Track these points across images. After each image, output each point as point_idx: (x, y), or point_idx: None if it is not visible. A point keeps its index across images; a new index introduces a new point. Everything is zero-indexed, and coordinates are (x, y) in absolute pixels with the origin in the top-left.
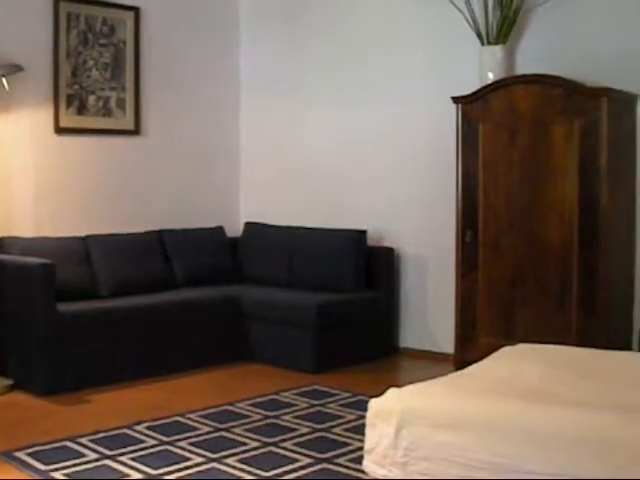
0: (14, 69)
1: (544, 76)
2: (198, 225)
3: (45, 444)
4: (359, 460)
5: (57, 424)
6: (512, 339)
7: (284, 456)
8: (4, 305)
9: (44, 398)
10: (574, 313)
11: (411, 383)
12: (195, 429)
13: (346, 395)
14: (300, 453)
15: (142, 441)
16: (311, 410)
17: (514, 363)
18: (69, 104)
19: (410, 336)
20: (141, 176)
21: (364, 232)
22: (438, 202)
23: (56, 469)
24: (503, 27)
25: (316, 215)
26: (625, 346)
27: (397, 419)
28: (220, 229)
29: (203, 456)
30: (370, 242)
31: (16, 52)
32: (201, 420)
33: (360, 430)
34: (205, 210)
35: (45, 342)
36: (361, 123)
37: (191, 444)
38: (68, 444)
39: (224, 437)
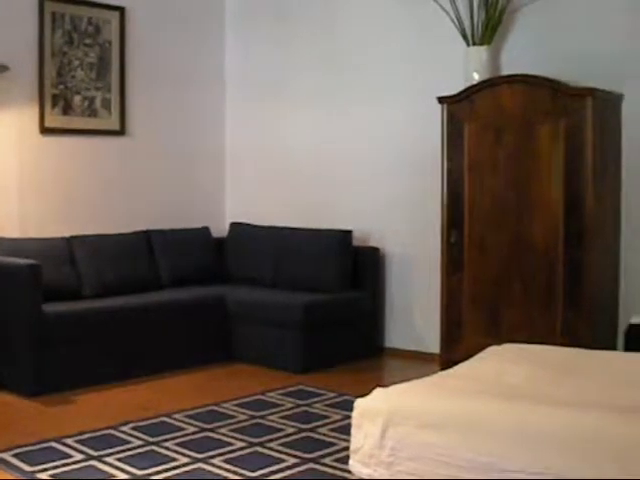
0: None
1: (529, 76)
2: (183, 225)
3: (31, 445)
4: (345, 460)
5: (43, 425)
6: (498, 339)
7: (270, 456)
8: None
9: (30, 399)
10: (560, 313)
11: (397, 383)
12: (181, 429)
13: (332, 395)
14: (286, 453)
15: (128, 442)
16: (297, 410)
17: (500, 363)
18: (54, 104)
19: (396, 336)
20: (126, 176)
21: (349, 232)
22: (424, 202)
23: (42, 470)
24: (488, 28)
25: (302, 215)
26: (610, 346)
27: (383, 419)
28: (206, 229)
29: (189, 456)
30: (356, 242)
31: (0, 52)
32: (187, 420)
33: (346, 430)
34: (190, 210)
35: (31, 343)
36: (347, 123)
37: (177, 444)
38: (54, 445)
39: (210, 437)
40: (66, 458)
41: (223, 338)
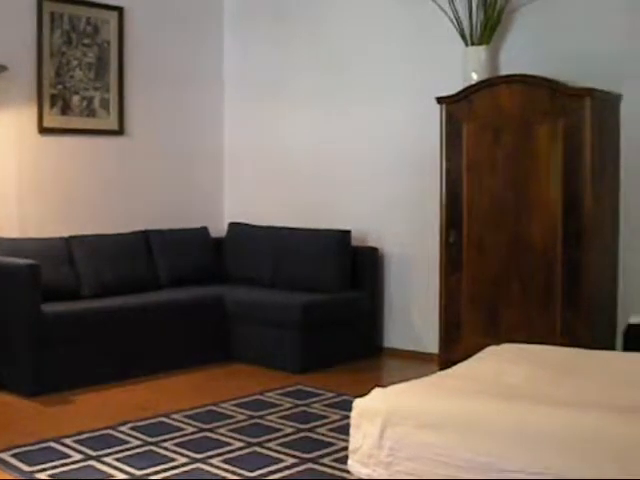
0: None
1: (528, 76)
2: (182, 225)
3: (30, 445)
4: (344, 460)
5: (42, 425)
6: (496, 339)
7: (269, 456)
8: None
9: (29, 399)
10: (558, 313)
11: (395, 383)
12: (180, 429)
13: (330, 395)
14: (285, 453)
15: (127, 442)
16: (295, 410)
17: (499, 363)
18: (53, 104)
19: (394, 336)
20: (125, 176)
21: (348, 232)
22: (422, 202)
23: (41, 470)
24: (487, 28)
25: (300, 215)
26: (609, 346)
27: (382, 419)
28: (204, 229)
29: (188, 456)
30: (354, 242)
31: None
32: (185, 420)
33: (345, 430)
34: (189, 210)
35: (30, 343)
36: (345, 123)
37: (176, 444)
38: (53, 445)
39: (208, 437)
40: (65, 458)
41: (222, 338)
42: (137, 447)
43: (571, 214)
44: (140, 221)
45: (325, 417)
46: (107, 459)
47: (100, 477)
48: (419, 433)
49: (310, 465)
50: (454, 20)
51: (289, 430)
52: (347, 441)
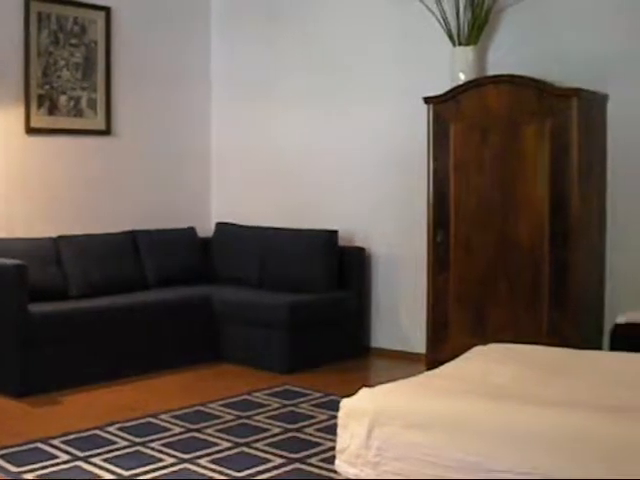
0: None
1: (515, 76)
2: (169, 225)
3: (17, 445)
4: (331, 460)
5: (29, 425)
6: (484, 339)
7: (256, 456)
8: None
9: (16, 399)
10: (545, 313)
11: (383, 383)
12: (167, 430)
13: (318, 395)
14: (272, 453)
15: (114, 442)
16: (283, 410)
17: (486, 363)
18: (40, 104)
19: (382, 336)
20: (112, 176)
21: (335, 232)
22: (409, 202)
23: (28, 471)
24: (474, 28)
25: (288, 215)
26: (596, 346)
27: (369, 419)
28: (191, 230)
29: (175, 457)
30: (342, 242)
31: None
32: (173, 421)
33: (332, 430)
34: (177, 210)
35: (17, 343)
36: (332, 124)
37: (163, 445)
38: (40, 445)
39: (196, 438)
40: (52, 459)
41: (209, 338)
42: (125, 447)
43: (558, 214)
44: (127, 221)
45: (313, 417)
46: (94, 460)
47: (87, 478)
48: (406, 433)
49: (298, 465)
50: (441, 20)
51: (277, 430)
52: (334, 441)
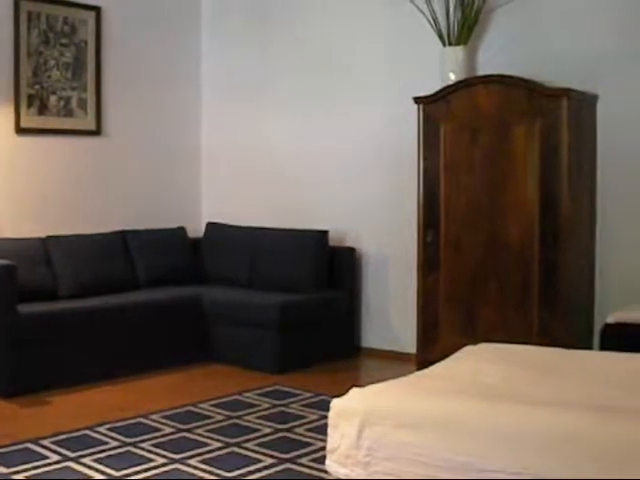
0: None
1: (505, 76)
2: (160, 225)
3: (6, 446)
4: (322, 460)
5: (19, 426)
6: (474, 339)
7: (247, 456)
8: None
9: (5, 400)
10: (535, 312)
11: (373, 383)
12: (158, 430)
13: (308, 395)
14: (263, 453)
15: (104, 442)
16: (273, 410)
17: (476, 362)
18: (30, 104)
19: (372, 336)
20: (103, 177)
21: (326, 232)
22: (399, 202)
23: (18, 471)
24: (464, 28)
25: (278, 216)
26: (586, 345)
27: (359, 419)
28: (182, 229)
29: (166, 457)
30: (332, 242)
31: None
32: (163, 421)
33: (322, 430)
34: (167, 211)
35: (6, 344)
36: (323, 124)
37: (154, 445)
38: (30, 446)
39: (187, 438)
40: (42, 459)
41: (200, 338)
42: (115, 448)
43: (548, 214)
44: (118, 221)
45: (303, 417)
46: (85, 460)
47: (78, 478)
48: (397, 433)
49: (288, 465)
50: (431, 20)
51: (267, 430)
52: (325, 441)
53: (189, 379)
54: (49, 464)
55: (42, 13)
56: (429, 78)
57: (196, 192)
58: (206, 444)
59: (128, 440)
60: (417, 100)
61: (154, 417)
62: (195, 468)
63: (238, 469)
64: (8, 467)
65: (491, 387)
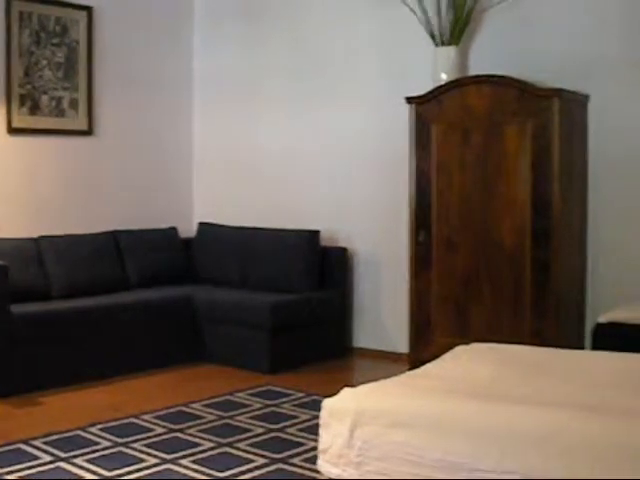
0: None
1: (497, 77)
2: (152, 226)
3: None
4: (314, 460)
5: (10, 426)
6: (466, 338)
7: (239, 457)
8: None
9: None
10: (527, 312)
11: (365, 383)
12: (149, 430)
13: (300, 395)
14: (255, 453)
15: (96, 443)
16: (265, 410)
17: (468, 362)
18: (22, 104)
19: (364, 336)
20: (94, 177)
21: (317, 232)
22: (392, 202)
23: (10, 472)
24: (456, 28)
25: (270, 216)
26: (578, 345)
27: (351, 419)
28: (173, 230)
29: (158, 457)
30: (324, 242)
31: None
32: (155, 421)
33: (314, 430)
34: (158, 211)
35: None
36: (315, 124)
37: (145, 445)
38: (22, 446)
39: (178, 438)
40: (34, 460)
41: (191, 338)
42: (107, 448)
43: (540, 214)
44: (109, 221)
45: (295, 417)
46: (77, 460)
47: (69, 478)
48: (389, 433)
49: (280, 465)
50: (423, 21)
51: (259, 430)
52: (317, 441)
53: (181, 379)
54: (41, 464)
55: (34, 13)
56: (421, 78)
57: (188, 192)
58: (198, 444)
59: (120, 440)
60: (409, 100)
61: (146, 417)
62: (187, 468)
63: (230, 469)
64: (0, 467)
65: (483, 387)
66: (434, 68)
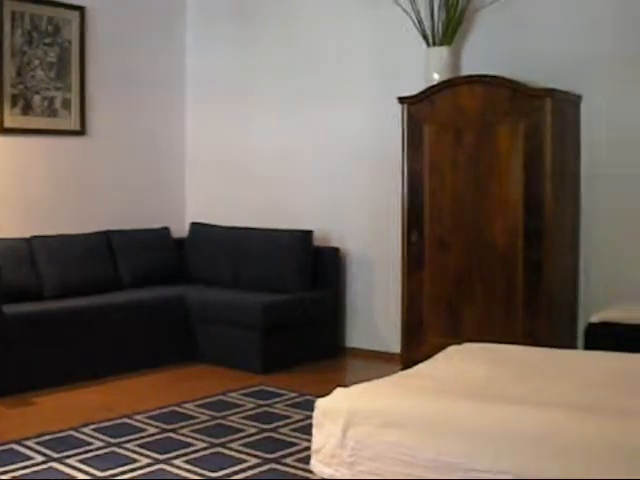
0: None
1: (489, 77)
2: (144, 226)
3: None
4: (306, 460)
5: (3, 426)
6: (458, 338)
7: (231, 457)
8: None
9: None
10: (520, 312)
11: (358, 383)
12: (142, 430)
13: (293, 395)
14: (247, 453)
15: (89, 443)
16: (258, 410)
17: (461, 362)
18: (14, 104)
19: (357, 336)
20: (87, 177)
21: (310, 232)
22: (384, 202)
23: (2, 472)
24: (449, 28)
25: (263, 216)
26: (571, 345)
27: (344, 419)
28: (165, 230)
29: (150, 457)
30: (317, 242)
31: None
32: (148, 421)
33: (307, 430)
34: (151, 211)
35: None
36: (308, 124)
37: (138, 445)
38: (14, 447)
39: (171, 438)
40: (27, 460)
41: (184, 338)
42: (100, 448)
43: (532, 214)
44: (102, 221)
45: (288, 417)
46: (69, 461)
47: (62, 478)
48: (382, 433)
49: (273, 465)
50: (416, 21)
51: (252, 430)
52: (310, 441)
53: (173, 379)
54: (33, 465)
55: (26, 13)
56: (413, 78)
57: (180, 192)
58: (191, 444)
59: (113, 440)
60: (401, 100)
61: (138, 417)
62: (180, 468)
63: (223, 469)
64: None
65: (476, 387)
66: (426, 68)
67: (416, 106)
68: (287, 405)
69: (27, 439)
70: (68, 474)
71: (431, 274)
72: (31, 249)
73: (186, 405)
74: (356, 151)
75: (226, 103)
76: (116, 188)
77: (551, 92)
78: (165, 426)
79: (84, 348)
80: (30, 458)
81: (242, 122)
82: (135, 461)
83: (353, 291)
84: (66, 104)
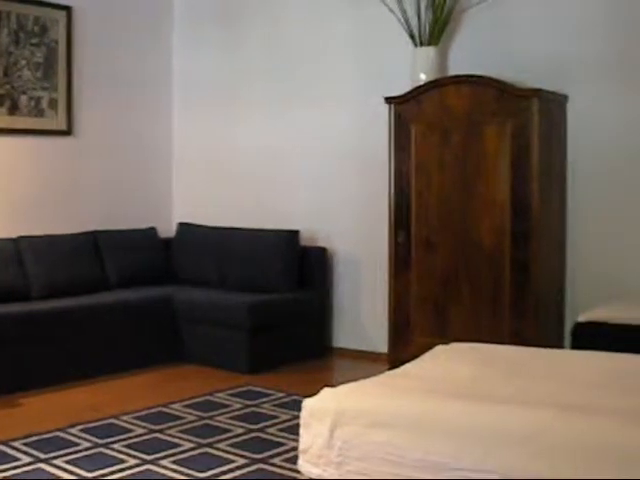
0: None
1: (476, 77)
2: (131, 226)
3: None
4: (294, 460)
5: None
6: (445, 338)
7: (219, 457)
8: None
9: None
10: (507, 312)
11: (345, 383)
12: (129, 431)
13: (280, 395)
14: (235, 454)
15: (76, 444)
16: (245, 411)
17: (448, 362)
18: (0, 104)
19: (344, 336)
20: (74, 177)
21: (296, 232)
22: (371, 202)
23: None
24: (436, 28)
25: (250, 216)
26: (558, 344)
27: (331, 419)
28: (152, 230)
29: (138, 458)
30: (304, 242)
31: None
32: (135, 422)
33: (295, 430)
34: (138, 211)
35: None
36: (294, 124)
37: (125, 446)
38: (1, 448)
39: (159, 439)
40: (14, 461)
41: (171, 339)
42: (87, 449)
43: (519, 214)
44: (88, 222)
45: (275, 417)
46: (56, 461)
47: (49, 479)
48: (369, 433)
49: (260, 465)
50: (403, 20)
51: (239, 430)
52: (297, 441)
53: (161, 379)
54: (20, 466)
55: (12, 12)
56: (400, 78)
57: (167, 192)
58: (178, 445)
59: (100, 441)
60: (388, 100)
61: (126, 418)
62: (167, 469)
63: (210, 469)
64: None
65: (463, 386)
66: (413, 68)
67: (403, 106)
68: (274, 405)
69: (14, 440)
70: (55, 475)
71: (418, 274)
72: (18, 249)
73: (173, 405)
74: (343, 151)
75: (213, 104)
76: (103, 188)
77: (538, 92)
78: (152, 426)
79: (71, 348)
80: (17, 459)
81: (229, 123)
82: (122, 461)
83: (340, 291)
84: (53, 104)
